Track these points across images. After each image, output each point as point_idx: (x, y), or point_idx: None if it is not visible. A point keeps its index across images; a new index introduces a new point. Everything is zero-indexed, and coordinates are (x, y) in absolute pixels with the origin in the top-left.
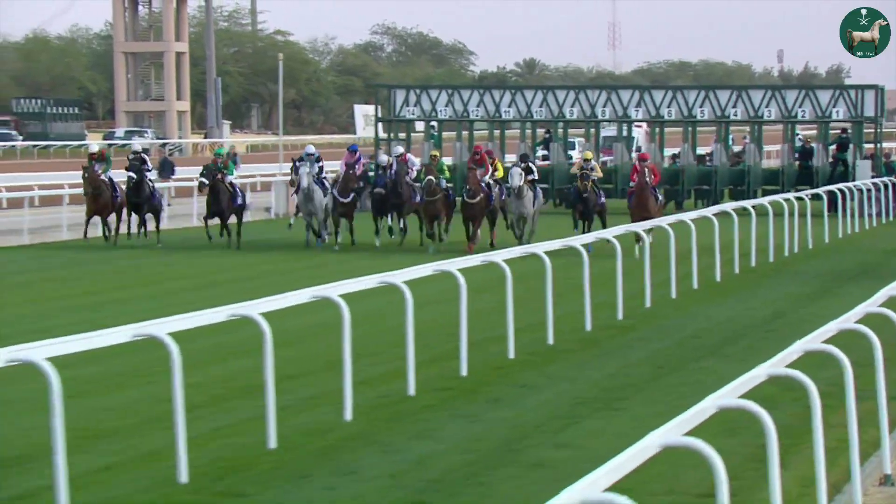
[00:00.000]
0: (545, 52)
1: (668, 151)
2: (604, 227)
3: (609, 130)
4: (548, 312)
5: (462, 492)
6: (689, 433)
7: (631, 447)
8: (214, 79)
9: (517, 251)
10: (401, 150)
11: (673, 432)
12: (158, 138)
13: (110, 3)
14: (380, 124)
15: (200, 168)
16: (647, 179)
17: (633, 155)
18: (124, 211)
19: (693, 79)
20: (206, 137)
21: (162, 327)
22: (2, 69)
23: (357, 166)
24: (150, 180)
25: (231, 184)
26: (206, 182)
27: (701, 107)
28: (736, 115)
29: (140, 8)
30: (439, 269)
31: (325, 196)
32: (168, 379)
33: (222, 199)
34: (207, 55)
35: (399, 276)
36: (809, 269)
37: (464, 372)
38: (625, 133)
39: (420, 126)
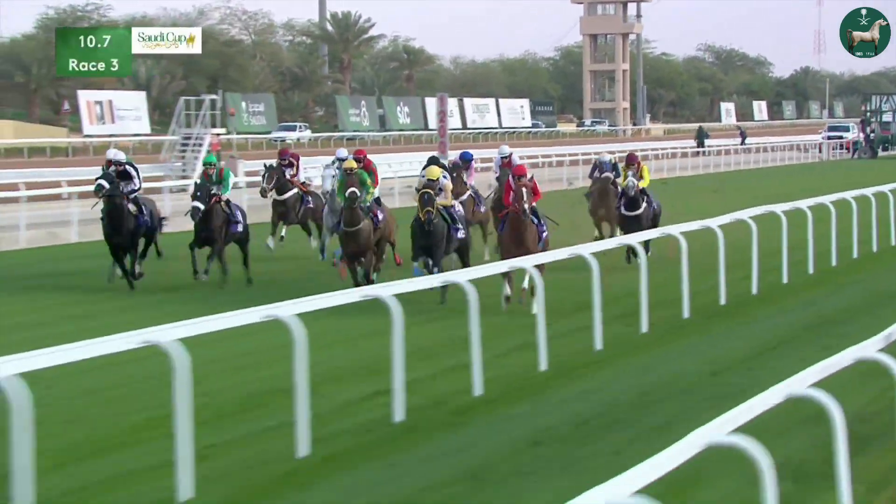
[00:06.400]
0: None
1: None
2: (464, 266)
3: None
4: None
5: None
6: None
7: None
8: (642, 87)
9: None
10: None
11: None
12: (610, 125)
13: (581, 38)
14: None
15: (193, 185)
16: (525, 205)
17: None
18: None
19: None
20: (634, 125)
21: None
22: (497, 81)
23: (467, 178)
24: (132, 200)
25: (228, 204)
26: (201, 207)
27: None
28: None
29: (598, 39)
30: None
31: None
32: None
33: (214, 221)
34: (638, 73)
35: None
36: None
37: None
38: None
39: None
